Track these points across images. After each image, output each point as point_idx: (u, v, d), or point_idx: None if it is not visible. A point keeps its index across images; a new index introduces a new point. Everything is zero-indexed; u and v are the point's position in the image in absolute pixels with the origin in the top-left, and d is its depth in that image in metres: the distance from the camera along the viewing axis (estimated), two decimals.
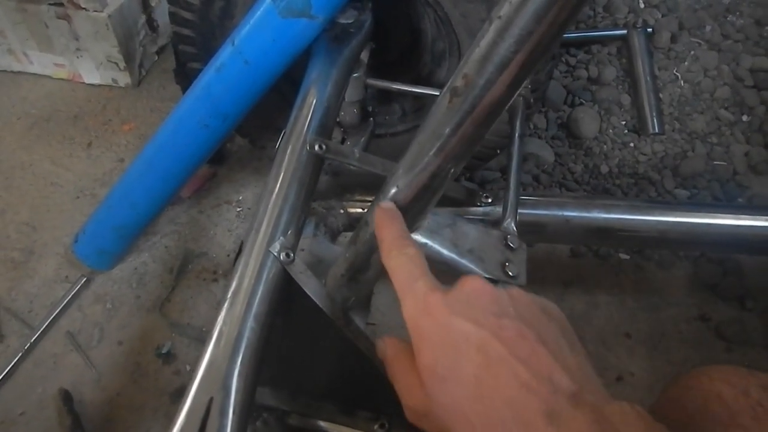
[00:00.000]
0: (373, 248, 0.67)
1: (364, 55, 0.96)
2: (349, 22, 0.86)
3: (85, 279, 1.19)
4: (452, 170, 0.57)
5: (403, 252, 0.46)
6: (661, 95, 1.47)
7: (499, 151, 1.10)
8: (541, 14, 0.41)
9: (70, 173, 1.41)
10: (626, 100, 1.47)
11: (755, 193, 1.32)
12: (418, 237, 0.65)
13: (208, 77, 0.86)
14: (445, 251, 0.67)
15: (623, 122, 1.44)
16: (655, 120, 1.40)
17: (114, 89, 1.58)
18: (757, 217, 0.92)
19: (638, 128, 1.42)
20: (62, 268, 1.23)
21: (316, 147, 0.69)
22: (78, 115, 1.53)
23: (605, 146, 1.40)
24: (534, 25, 0.41)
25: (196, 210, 1.32)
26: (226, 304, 0.57)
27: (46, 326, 1.14)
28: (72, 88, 1.58)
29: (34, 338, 1.12)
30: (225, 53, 0.83)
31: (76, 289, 1.18)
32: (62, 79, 1.59)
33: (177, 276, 1.21)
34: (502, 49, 0.44)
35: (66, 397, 1.03)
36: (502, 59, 0.44)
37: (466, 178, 1.28)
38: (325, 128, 0.73)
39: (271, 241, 0.61)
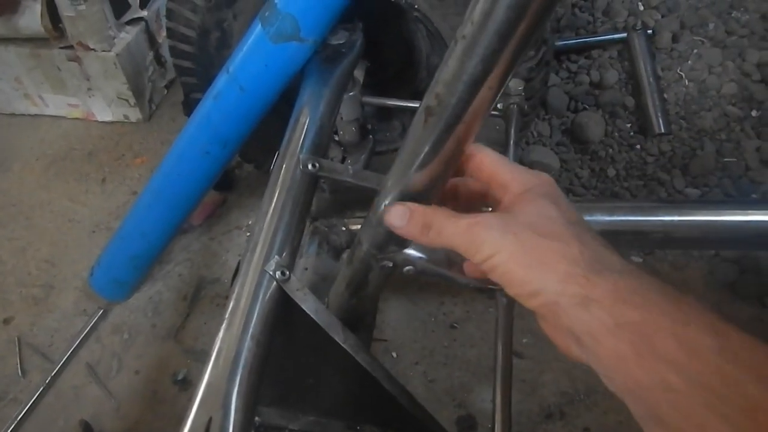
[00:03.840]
0: (369, 266, 0.68)
1: (359, 74, 0.97)
2: (341, 42, 0.88)
3: (102, 311, 1.22)
4: (436, 185, 0.58)
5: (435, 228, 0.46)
6: (666, 95, 1.46)
7: None
8: (503, 32, 0.41)
9: (87, 209, 1.44)
10: (630, 102, 1.46)
11: None
12: (411, 251, 0.66)
13: (206, 106, 0.89)
14: (438, 264, 0.67)
15: (628, 124, 1.43)
16: (660, 120, 1.39)
17: (126, 125, 1.62)
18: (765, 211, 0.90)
19: (644, 129, 1.41)
20: (81, 302, 1.26)
21: (310, 165, 0.70)
22: (92, 152, 1.57)
23: (611, 149, 1.39)
24: (497, 43, 0.42)
25: (208, 237, 1.35)
26: (223, 325, 0.58)
27: (66, 359, 1.16)
28: (86, 127, 1.63)
29: (54, 371, 1.14)
30: (221, 81, 0.85)
31: (94, 321, 1.20)
32: (76, 118, 1.64)
33: (191, 303, 1.23)
34: (469, 68, 0.44)
35: (86, 428, 1.05)
36: (470, 78, 0.45)
37: None
38: (318, 147, 0.74)
39: (266, 261, 0.62)
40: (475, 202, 0.53)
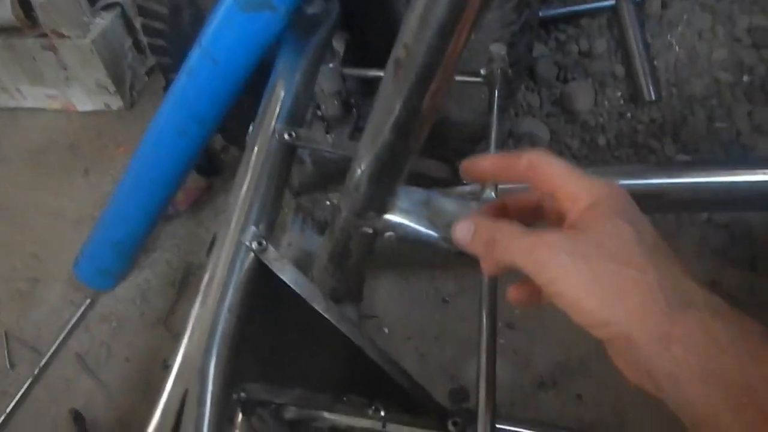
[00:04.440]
0: (349, 234, 0.66)
1: (339, 46, 0.95)
2: (316, 12, 0.85)
3: (89, 301, 1.20)
4: (412, 145, 0.56)
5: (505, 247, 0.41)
6: (656, 62, 1.43)
7: None
8: None
9: (71, 201, 1.42)
10: (620, 71, 1.44)
11: (761, 154, 1.28)
12: (391, 217, 0.64)
13: (181, 83, 0.86)
14: (422, 229, 0.65)
15: (618, 93, 1.41)
16: (650, 87, 1.37)
17: (107, 114, 1.59)
18: (757, 171, 0.89)
19: (634, 97, 1.39)
20: (67, 293, 1.24)
21: (286, 135, 0.68)
22: (74, 143, 1.54)
23: (601, 118, 1.37)
24: None
25: (194, 223, 1.33)
26: (199, 297, 0.56)
27: (55, 350, 1.15)
28: (67, 118, 1.60)
29: (43, 363, 1.13)
30: (194, 56, 0.83)
31: (81, 311, 1.19)
32: (56, 110, 1.61)
33: (179, 289, 1.22)
34: (437, 14, 0.42)
35: (78, 418, 1.04)
36: (438, 23, 0.43)
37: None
38: (294, 117, 0.72)
39: (243, 233, 0.60)
40: (527, 218, 0.48)
